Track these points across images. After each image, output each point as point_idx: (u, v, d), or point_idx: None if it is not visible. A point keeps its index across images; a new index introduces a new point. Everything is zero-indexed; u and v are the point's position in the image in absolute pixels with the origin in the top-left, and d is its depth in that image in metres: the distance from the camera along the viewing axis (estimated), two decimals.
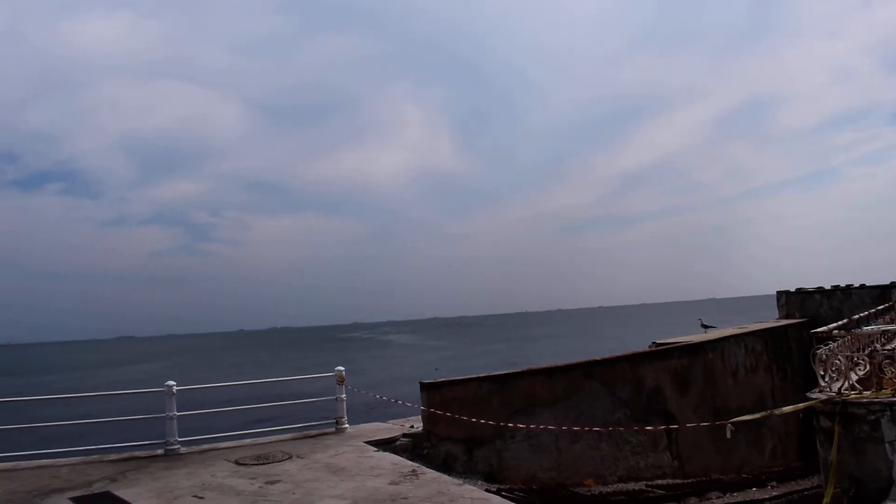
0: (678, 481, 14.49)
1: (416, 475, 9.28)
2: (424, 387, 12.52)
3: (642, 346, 17.50)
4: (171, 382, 11.66)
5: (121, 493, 8.97)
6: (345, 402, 12.87)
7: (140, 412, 12.26)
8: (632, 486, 13.71)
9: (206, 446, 12.00)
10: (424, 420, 12.50)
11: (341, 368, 12.92)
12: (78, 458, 11.41)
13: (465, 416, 12.24)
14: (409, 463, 10.24)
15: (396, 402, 13.56)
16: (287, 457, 10.71)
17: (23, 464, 11.22)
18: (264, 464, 10.33)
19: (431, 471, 9.88)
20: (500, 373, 13.44)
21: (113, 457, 11.48)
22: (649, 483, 14.03)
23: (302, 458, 10.63)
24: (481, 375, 13.10)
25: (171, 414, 11.57)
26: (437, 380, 12.79)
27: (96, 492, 9.12)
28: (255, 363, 79.32)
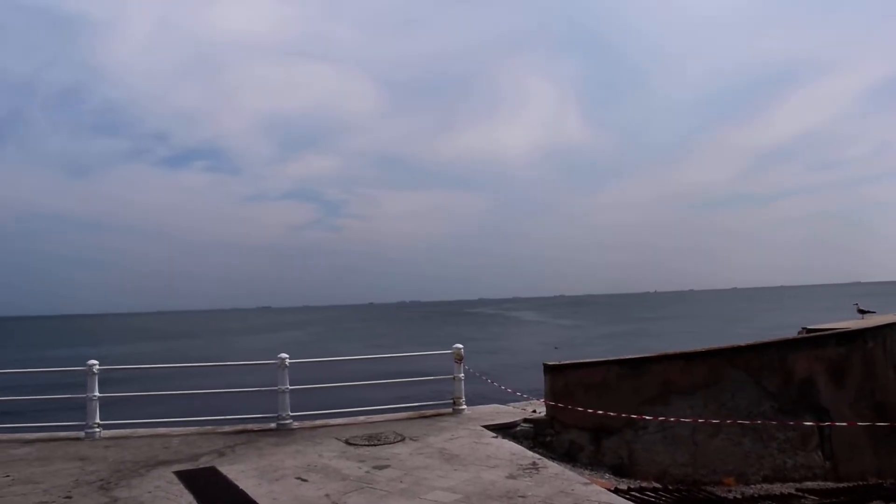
0: (831, 485, 12.78)
1: (537, 468, 8.34)
2: (548, 369, 11.53)
3: (784, 331, 15.65)
4: (284, 355, 11.27)
5: (225, 469, 8.58)
6: (462, 382, 12.10)
7: (258, 385, 12.02)
8: (778, 487, 12.17)
9: (318, 422, 11.58)
10: (548, 405, 11.54)
11: (459, 346, 12.15)
12: (192, 429, 11.27)
13: (593, 402, 11.20)
14: (529, 454, 9.31)
15: (514, 391, 12.64)
16: (399, 438, 10.05)
17: (140, 431, 11.22)
18: (375, 445, 9.71)
19: (553, 464, 8.92)
20: (632, 356, 12.23)
21: (226, 429, 11.26)
22: (798, 486, 12.45)
23: (415, 440, 9.94)
24: (611, 359, 11.96)
25: (283, 388, 11.20)
26: (563, 361, 11.76)
27: (201, 466, 8.79)
28: (380, 336, 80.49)
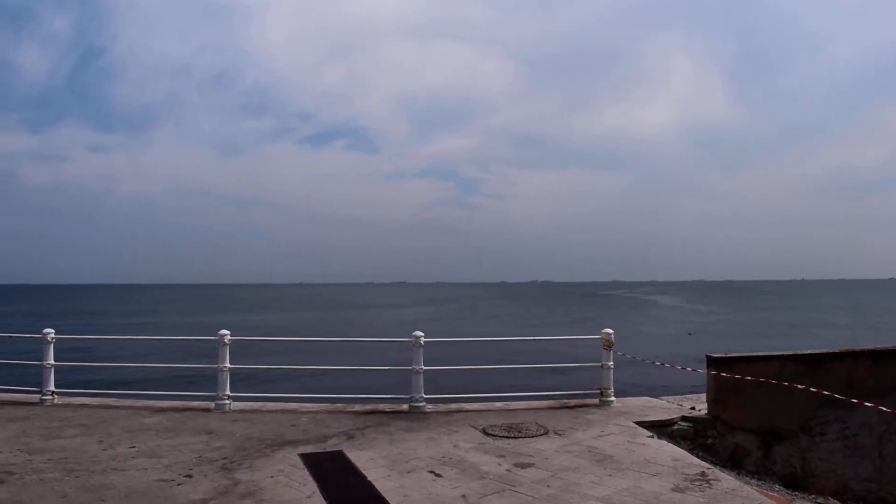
0: None
1: (707, 481, 7.08)
2: (713, 361, 10.13)
3: None
4: (419, 333, 10.49)
5: (353, 454, 7.88)
6: (612, 371, 10.91)
7: (391, 363, 11.37)
8: None
9: (452, 406, 10.77)
10: (710, 402, 10.17)
11: (609, 331, 10.95)
12: (322, 406, 10.75)
13: (763, 401, 9.77)
14: (696, 460, 8.05)
15: (675, 367, 11.27)
16: (542, 431, 9.03)
17: (269, 405, 10.83)
18: (516, 437, 8.74)
19: (726, 475, 7.62)
20: (811, 352, 10.59)
21: (357, 408, 10.65)
22: None
23: (560, 435, 8.88)
24: (787, 353, 10.37)
25: (417, 368, 10.44)
26: (730, 354, 10.31)
27: (329, 449, 8.14)
28: (515, 316, 79.46)
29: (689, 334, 49.22)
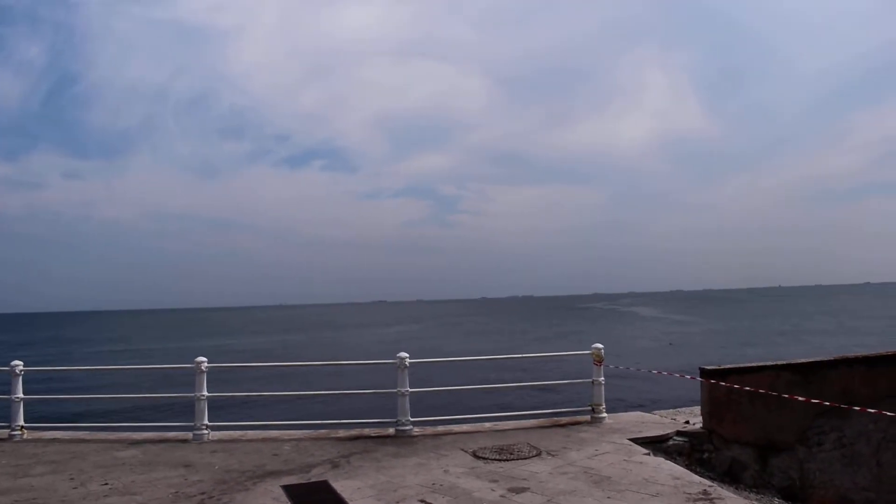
0: None
1: (711, 500, 6.78)
2: (707, 374, 9.87)
3: None
4: (404, 354, 10.15)
5: (339, 484, 7.50)
6: (603, 387, 10.62)
7: (375, 386, 11.01)
8: None
9: (440, 429, 10.42)
10: (705, 415, 9.89)
11: (599, 346, 10.67)
12: (305, 433, 10.35)
13: (759, 413, 9.53)
14: (696, 478, 7.76)
15: (673, 374, 10.99)
16: (535, 452, 8.70)
17: (249, 433, 10.41)
18: (508, 460, 8.40)
19: (730, 494, 7.36)
20: (804, 360, 10.38)
21: (341, 433, 10.26)
22: None
23: (553, 455, 8.56)
24: (780, 363, 10.15)
25: (403, 390, 10.08)
26: (723, 365, 10.07)
27: (313, 480, 7.75)
28: (497, 332, 79.06)
29: (670, 344, 49.15)
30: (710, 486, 7.32)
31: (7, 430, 10.43)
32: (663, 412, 11.25)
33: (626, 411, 11.41)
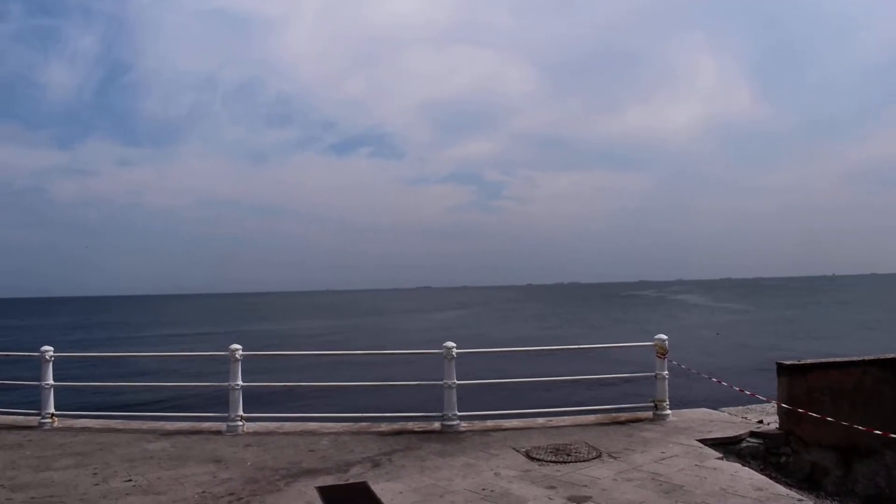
0: None
1: None
2: (785, 370, 8.92)
3: None
4: (451, 344, 9.41)
5: (379, 487, 6.81)
6: (667, 381, 9.75)
7: (419, 377, 10.30)
8: None
9: (489, 423, 9.67)
10: (781, 415, 8.95)
11: (663, 337, 9.80)
12: (345, 426, 9.71)
13: (843, 413, 8.54)
14: (781, 489, 6.88)
15: (742, 390, 10.04)
16: (594, 454, 7.90)
17: (287, 426, 9.81)
18: (565, 462, 7.62)
19: None
20: (894, 356, 9.36)
21: (383, 427, 9.59)
22: None
23: (615, 458, 7.75)
24: (868, 358, 9.14)
25: (449, 382, 9.36)
26: (805, 360, 9.11)
27: (352, 481, 7.08)
28: (545, 318, 77.78)
29: (717, 334, 47.47)
30: (799, 501, 6.44)
31: (37, 418, 10.02)
32: (732, 410, 10.34)
33: (690, 408, 10.50)
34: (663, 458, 7.64)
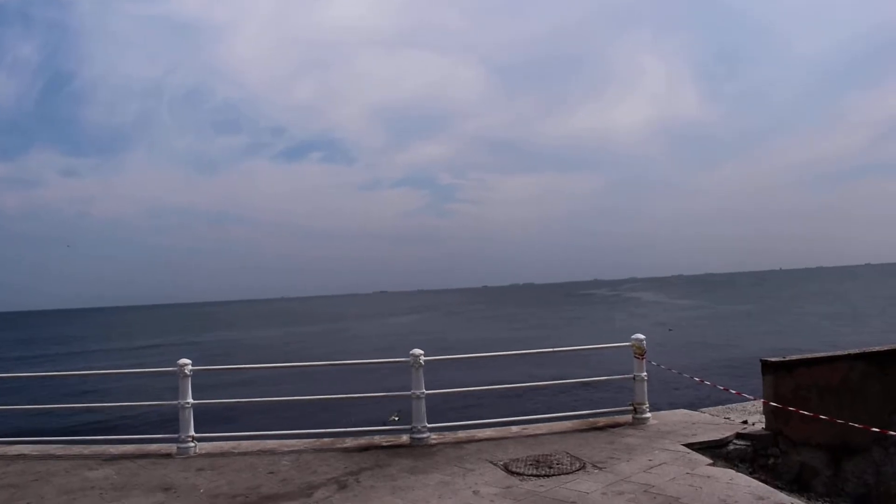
0: None
1: None
2: (770, 367, 8.52)
3: None
4: (418, 351, 8.77)
5: None
6: (646, 384, 9.28)
7: (384, 386, 9.66)
8: None
9: (461, 434, 9.07)
10: (768, 414, 8.55)
11: (641, 337, 9.32)
12: (306, 442, 9.02)
13: (831, 410, 8.17)
14: (784, 497, 6.43)
15: (717, 386, 9.62)
16: (578, 465, 7.35)
17: (244, 445, 9.07)
18: (547, 475, 7.05)
19: None
20: (880, 349, 9.03)
21: (348, 443, 8.93)
22: None
23: (600, 468, 7.22)
24: (853, 352, 8.79)
25: (417, 392, 8.73)
26: (788, 357, 8.70)
27: None
28: (504, 319, 77.34)
29: (670, 330, 47.60)
30: None
31: None
32: (712, 410, 9.94)
33: (669, 409, 10.06)
34: (652, 467, 7.13)
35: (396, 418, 10.46)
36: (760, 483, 6.84)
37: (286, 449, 8.74)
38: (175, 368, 8.84)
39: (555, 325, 61.26)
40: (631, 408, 9.33)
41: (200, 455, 8.64)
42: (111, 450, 9.13)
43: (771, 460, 8.35)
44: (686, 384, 10.31)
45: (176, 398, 8.83)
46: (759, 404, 9.74)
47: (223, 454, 8.66)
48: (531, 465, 7.45)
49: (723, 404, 10.32)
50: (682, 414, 9.74)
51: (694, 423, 9.09)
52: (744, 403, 10.05)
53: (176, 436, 8.81)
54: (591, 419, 9.47)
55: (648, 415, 9.27)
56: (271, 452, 8.61)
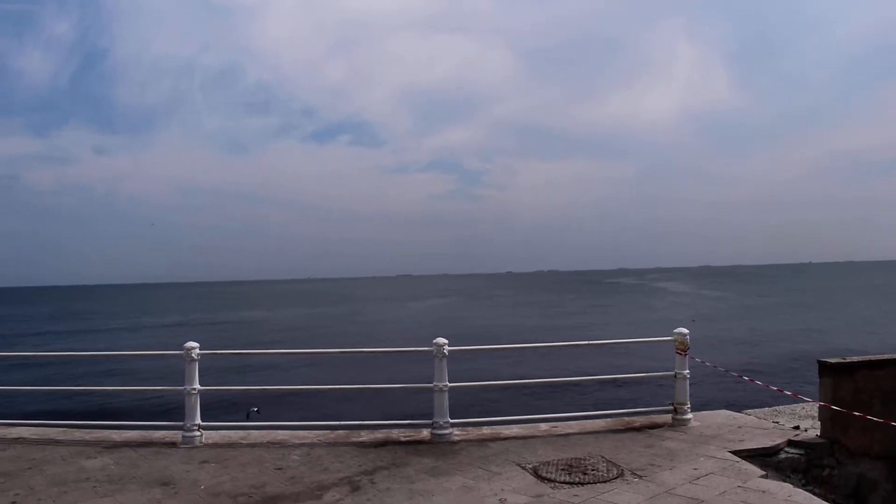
0: None
1: None
2: (828, 368, 7.74)
3: None
4: (442, 340, 8.09)
5: None
6: (688, 382, 8.54)
7: (405, 376, 9.01)
8: None
9: (486, 432, 8.41)
10: (825, 420, 7.78)
11: (684, 331, 8.58)
12: (319, 435, 8.41)
13: (894, 415, 7.39)
14: None
15: (770, 387, 8.86)
16: (615, 472, 6.65)
17: (253, 435, 8.53)
18: (582, 483, 6.37)
19: None
20: None
21: (363, 437, 8.30)
22: None
23: (640, 476, 6.52)
24: None
25: (440, 385, 8.07)
26: (848, 359, 7.91)
27: None
28: (532, 306, 76.17)
29: (693, 321, 46.39)
30: None
31: None
32: (758, 412, 9.16)
33: (710, 409, 9.30)
34: (698, 477, 6.42)
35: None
36: (823, 502, 6.08)
37: (297, 441, 8.14)
38: (182, 352, 8.25)
39: (583, 314, 60.23)
40: (670, 408, 8.60)
41: (206, 445, 8.07)
42: (114, 436, 8.60)
43: (826, 471, 7.59)
44: (725, 382, 9.54)
45: (182, 384, 8.26)
46: (811, 407, 9.00)
47: (230, 445, 8.09)
48: (563, 470, 6.77)
49: (769, 406, 9.54)
50: (724, 416, 8.98)
51: (740, 427, 8.34)
52: (793, 406, 9.28)
53: (182, 424, 8.25)
54: (626, 419, 8.75)
55: (689, 416, 8.54)
56: (281, 445, 8.02)
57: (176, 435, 8.29)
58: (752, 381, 9.20)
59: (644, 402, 9.12)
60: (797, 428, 8.23)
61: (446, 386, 8.06)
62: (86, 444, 8.27)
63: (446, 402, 8.10)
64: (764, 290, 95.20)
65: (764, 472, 6.67)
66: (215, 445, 8.07)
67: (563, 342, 10.09)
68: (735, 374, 9.35)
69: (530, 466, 6.88)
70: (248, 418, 9.99)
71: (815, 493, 6.71)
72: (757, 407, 9.56)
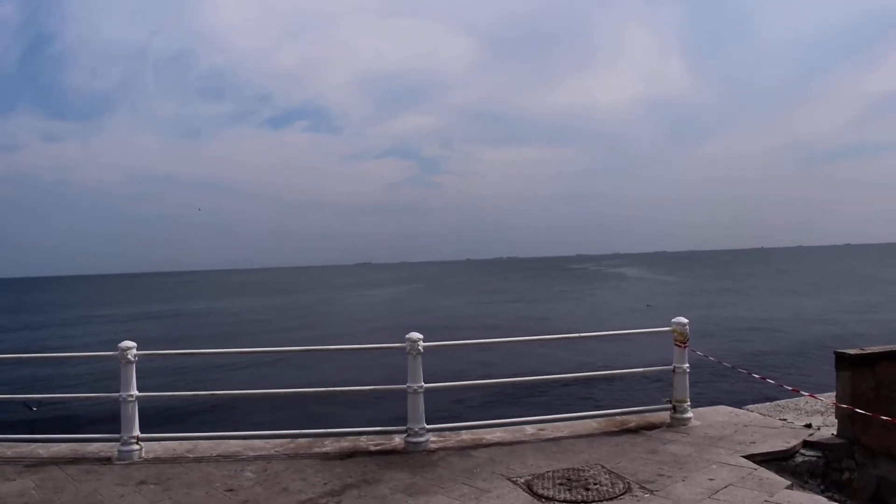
0: None
1: None
2: (846, 360, 6.96)
3: None
4: (417, 336, 7.13)
5: None
6: (687, 376, 7.73)
7: (373, 375, 8.04)
8: None
9: (466, 437, 7.49)
10: (842, 418, 7.03)
11: (683, 320, 7.75)
12: (277, 444, 7.41)
13: None
14: None
15: (784, 386, 8.07)
16: (622, 487, 5.76)
17: (201, 447, 7.48)
18: (585, 502, 5.47)
19: None
20: None
21: (328, 446, 7.33)
22: None
23: (649, 490, 5.65)
24: None
25: (414, 386, 7.11)
26: (867, 349, 7.15)
27: None
28: (494, 293, 75.11)
29: (648, 305, 46.14)
30: None
31: None
32: (761, 408, 8.41)
33: (706, 405, 8.51)
34: (717, 490, 5.57)
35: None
36: None
37: (252, 454, 7.12)
38: (116, 353, 7.14)
39: (559, 300, 59.38)
40: (670, 405, 7.79)
41: (146, 461, 6.99)
42: (40, 451, 7.46)
43: (846, 475, 6.85)
44: (713, 372, 8.77)
45: (118, 389, 7.16)
46: (815, 401, 8.30)
47: (174, 459, 7.03)
48: (561, 484, 5.87)
49: (769, 400, 8.81)
50: (726, 412, 8.19)
51: (746, 426, 7.56)
52: (796, 400, 8.55)
53: (118, 436, 7.16)
54: (619, 418, 7.90)
55: (689, 414, 7.73)
56: (234, 458, 6.99)
57: (112, 448, 7.20)
58: (764, 379, 8.38)
59: (636, 399, 8.27)
60: (809, 426, 7.49)
61: (421, 387, 7.11)
62: (5, 461, 7.13)
63: (422, 406, 7.14)
64: (715, 276, 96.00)
65: (789, 483, 5.86)
66: (157, 461, 7.00)
67: (546, 335, 9.19)
68: (744, 371, 8.54)
69: (522, 481, 5.98)
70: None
71: (835, 500, 5.97)
72: (754, 400, 8.83)
